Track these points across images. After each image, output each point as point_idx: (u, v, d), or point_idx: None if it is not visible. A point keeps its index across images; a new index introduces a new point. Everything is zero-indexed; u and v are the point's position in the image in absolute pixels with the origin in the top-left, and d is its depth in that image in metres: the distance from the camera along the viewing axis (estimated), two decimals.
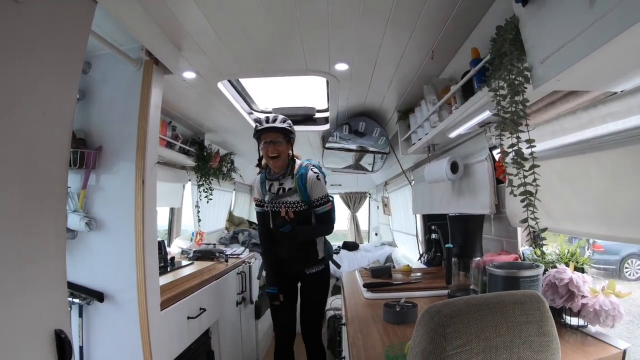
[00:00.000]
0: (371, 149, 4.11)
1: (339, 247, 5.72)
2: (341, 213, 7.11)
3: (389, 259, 5.13)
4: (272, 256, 2.87)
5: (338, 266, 3.15)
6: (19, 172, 1.06)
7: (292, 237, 2.59)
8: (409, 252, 4.89)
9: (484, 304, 0.90)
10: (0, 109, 0.99)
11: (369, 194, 7.00)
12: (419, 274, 2.80)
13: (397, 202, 5.30)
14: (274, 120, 2.60)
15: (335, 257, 3.32)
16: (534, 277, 1.43)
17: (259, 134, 2.61)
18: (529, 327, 0.90)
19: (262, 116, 2.69)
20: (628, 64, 1.07)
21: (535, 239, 1.46)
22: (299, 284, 2.94)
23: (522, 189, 1.36)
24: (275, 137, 2.59)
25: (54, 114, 1.20)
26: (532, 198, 1.35)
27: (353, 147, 4.09)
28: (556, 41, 1.12)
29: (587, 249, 1.76)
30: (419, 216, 4.15)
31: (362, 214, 7.22)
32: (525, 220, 1.37)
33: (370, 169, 4.92)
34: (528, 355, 0.89)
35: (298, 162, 2.75)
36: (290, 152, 2.70)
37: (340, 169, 4.81)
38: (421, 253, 3.98)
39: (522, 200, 1.36)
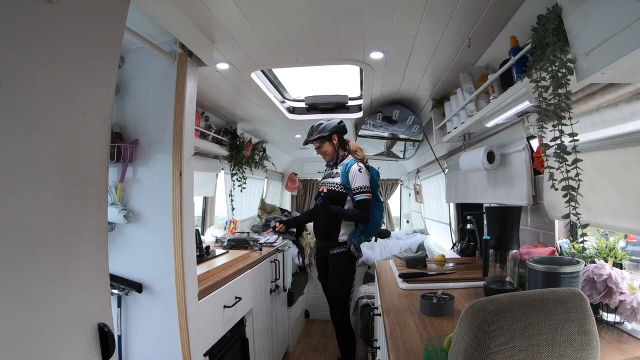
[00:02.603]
0: (402, 136, 4.06)
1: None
2: None
3: (420, 247, 5.09)
4: (304, 219, 4.13)
5: (357, 256, 3.39)
6: (60, 171, 1.07)
7: (324, 207, 3.22)
8: (441, 241, 4.85)
9: (528, 301, 0.90)
10: (41, 110, 1.00)
11: (401, 181, 6.93)
12: (452, 264, 2.78)
13: (429, 189, 5.24)
14: (311, 134, 3.44)
15: (366, 244, 3.97)
16: (575, 274, 1.40)
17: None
18: (571, 326, 0.89)
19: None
20: None
21: (575, 234, 1.43)
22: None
23: (564, 183, 1.33)
24: (316, 144, 3.45)
25: (93, 112, 1.20)
26: (574, 193, 1.31)
27: (385, 134, 4.05)
28: (601, 33, 1.08)
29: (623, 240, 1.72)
30: (452, 204, 4.11)
31: (393, 201, 7.17)
32: (567, 216, 1.34)
33: (401, 156, 4.87)
34: (569, 354, 0.88)
35: (350, 157, 3.37)
36: (334, 144, 3.40)
37: (372, 156, 4.78)
38: (454, 242, 3.95)
39: (565, 195, 1.33)
